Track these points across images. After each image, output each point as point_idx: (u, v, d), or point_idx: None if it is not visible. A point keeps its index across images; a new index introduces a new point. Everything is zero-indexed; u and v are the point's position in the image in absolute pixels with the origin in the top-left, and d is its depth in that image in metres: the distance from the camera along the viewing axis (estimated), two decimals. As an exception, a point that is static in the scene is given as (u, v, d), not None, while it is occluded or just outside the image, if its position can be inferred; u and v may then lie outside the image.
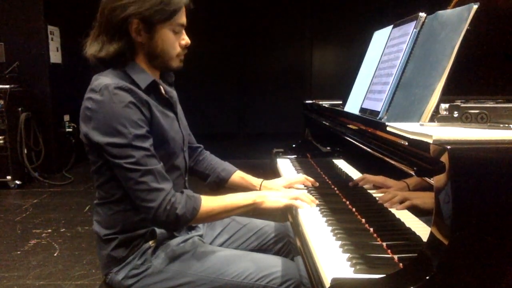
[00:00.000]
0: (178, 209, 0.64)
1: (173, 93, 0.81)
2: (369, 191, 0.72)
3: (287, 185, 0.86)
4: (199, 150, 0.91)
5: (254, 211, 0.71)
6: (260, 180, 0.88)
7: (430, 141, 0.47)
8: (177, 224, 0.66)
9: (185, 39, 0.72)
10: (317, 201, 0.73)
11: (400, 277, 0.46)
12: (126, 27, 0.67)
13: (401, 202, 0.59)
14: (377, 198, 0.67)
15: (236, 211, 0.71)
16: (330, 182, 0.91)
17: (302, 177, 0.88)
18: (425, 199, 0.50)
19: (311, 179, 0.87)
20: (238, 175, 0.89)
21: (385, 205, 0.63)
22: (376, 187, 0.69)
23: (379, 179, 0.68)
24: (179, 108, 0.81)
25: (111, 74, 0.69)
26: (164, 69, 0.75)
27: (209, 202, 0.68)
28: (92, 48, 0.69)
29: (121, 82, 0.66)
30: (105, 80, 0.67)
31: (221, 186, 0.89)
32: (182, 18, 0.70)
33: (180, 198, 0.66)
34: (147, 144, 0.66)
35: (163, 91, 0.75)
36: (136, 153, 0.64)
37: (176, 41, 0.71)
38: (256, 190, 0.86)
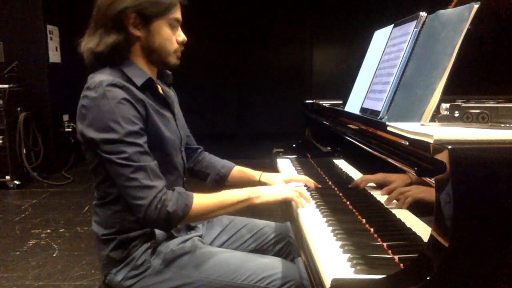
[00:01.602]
0: (168, 206, 0.63)
1: (171, 93, 0.80)
2: (369, 191, 0.71)
3: (287, 180, 0.86)
4: (198, 151, 0.91)
5: (251, 207, 0.70)
6: (260, 172, 0.88)
7: (431, 141, 0.46)
8: (169, 223, 0.64)
9: (182, 36, 0.73)
10: (310, 201, 0.73)
11: (400, 277, 0.45)
12: (123, 20, 0.67)
13: (406, 198, 0.58)
14: (378, 199, 0.67)
15: (232, 208, 0.69)
16: (330, 182, 0.91)
17: (305, 177, 0.87)
18: (428, 193, 0.49)
19: (314, 182, 0.86)
20: (238, 169, 0.89)
21: (389, 206, 0.62)
22: (378, 185, 0.69)
23: (379, 176, 0.67)
24: (177, 109, 0.81)
25: (106, 71, 0.69)
26: (161, 65, 0.74)
27: (202, 199, 0.67)
28: (90, 43, 0.69)
29: (115, 79, 0.66)
30: (100, 77, 0.67)
31: (221, 183, 0.89)
32: (178, 14, 0.71)
33: (171, 196, 0.65)
34: (141, 140, 0.65)
35: (160, 90, 0.75)
36: (128, 149, 0.63)
37: (173, 36, 0.71)
38: (256, 180, 0.86)
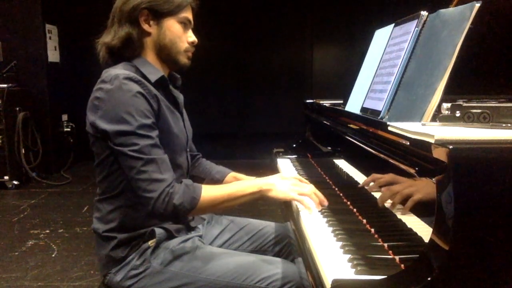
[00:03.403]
0: (175, 199, 0.64)
1: (180, 95, 0.82)
2: (370, 191, 0.71)
3: None
4: (197, 157, 0.92)
5: (261, 199, 0.68)
6: (253, 178, 0.87)
7: (432, 141, 0.46)
8: (176, 215, 0.65)
9: (193, 37, 0.75)
10: (326, 202, 0.69)
11: (401, 278, 0.45)
12: (136, 16, 0.70)
13: (404, 200, 0.58)
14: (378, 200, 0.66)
15: (242, 199, 0.68)
16: (331, 182, 0.91)
17: (296, 176, 0.86)
18: (428, 191, 0.49)
19: (305, 181, 0.85)
20: (232, 176, 0.89)
21: (389, 207, 0.61)
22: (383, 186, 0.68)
23: (388, 177, 0.65)
24: (184, 112, 0.83)
25: (122, 67, 0.71)
26: (172, 63, 0.76)
27: (211, 191, 0.68)
28: (105, 38, 0.72)
29: (131, 74, 0.68)
30: (115, 71, 0.69)
31: None
32: (189, 14, 0.75)
33: (178, 188, 0.65)
34: (153, 134, 0.66)
35: (171, 89, 0.77)
36: (140, 141, 0.64)
37: (184, 35, 0.74)
38: None
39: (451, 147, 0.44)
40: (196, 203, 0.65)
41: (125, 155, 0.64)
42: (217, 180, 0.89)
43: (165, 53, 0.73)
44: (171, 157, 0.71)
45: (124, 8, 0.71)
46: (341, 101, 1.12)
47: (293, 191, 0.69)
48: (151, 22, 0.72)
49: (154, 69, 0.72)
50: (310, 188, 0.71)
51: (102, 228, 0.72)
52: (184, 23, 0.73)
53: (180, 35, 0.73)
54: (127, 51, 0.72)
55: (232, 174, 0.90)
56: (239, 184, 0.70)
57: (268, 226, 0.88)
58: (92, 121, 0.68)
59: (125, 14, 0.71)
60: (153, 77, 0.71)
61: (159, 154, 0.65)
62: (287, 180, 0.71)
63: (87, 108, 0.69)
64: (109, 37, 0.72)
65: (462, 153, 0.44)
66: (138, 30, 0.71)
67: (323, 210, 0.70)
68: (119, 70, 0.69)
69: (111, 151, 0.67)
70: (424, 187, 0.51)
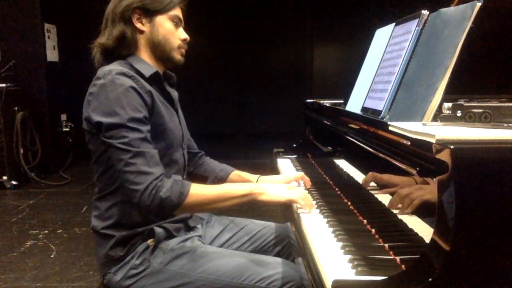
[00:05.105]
0: (162, 192, 0.63)
1: (175, 93, 0.82)
2: (371, 191, 0.71)
3: (285, 183, 0.85)
4: (199, 155, 0.92)
5: (252, 203, 0.68)
6: (257, 176, 0.88)
7: (433, 140, 0.46)
8: (162, 209, 0.64)
9: (184, 34, 0.77)
10: (314, 206, 0.71)
11: (402, 279, 0.45)
12: (129, 15, 0.72)
13: (410, 203, 0.57)
14: (379, 199, 0.66)
15: (232, 201, 0.68)
16: (331, 182, 0.91)
17: (300, 174, 0.87)
18: (432, 194, 0.48)
19: (307, 178, 0.86)
20: (235, 174, 0.89)
21: (395, 211, 0.60)
22: (381, 186, 0.68)
23: (385, 177, 0.66)
24: (179, 109, 0.83)
25: (116, 64, 0.72)
26: (166, 61, 0.77)
27: (200, 189, 0.67)
28: (100, 39, 0.74)
29: (124, 69, 0.69)
30: (109, 67, 0.70)
31: None
32: (178, 12, 0.76)
33: (166, 182, 0.65)
34: (143, 128, 0.67)
35: (166, 86, 0.78)
36: (129, 134, 0.65)
37: (176, 32, 0.76)
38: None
39: (452, 147, 0.43)
40: (184, 199, 0.65)
41: (114, 147, 0.65)
42: (221, 178, 0.88)
43: (160, 50, 0.75)
44: (166, 152, 0.72)
45: (116, 10, 0.72)
46: (342, 101, 1.12)
47: (285, 193, 0.70)
48: (144, 21, 0.73)
49: (148, 66, 0.73)
50: (300, 191, 0.72)
51: (100, 226, 0.72)
52: (175, 21, 0.75)
53: (172, 31, 0.75)
54: (121, 50, 0.73)
55: (236, 172, 0.90)
56: (230, 185, 0.71)
57: (268, 227, 0.88)
58: (86, 116, 0.69)
59: (118, 15, 0.72)
60: (147, 73, 0.72)
61: (148, 148, 0.65)
62: (279, 185, 0.72)
63: (83, 106, 0.70)
64: (104, 38, 0.73)
65: (463, 153, 0.43)
66: (132, 29, 0.73)
67: (324, 211, 0.70)
68: (113, 66, 0.70)
69: (106, 146, 0.67)
70: (430, 189, 0.50)
